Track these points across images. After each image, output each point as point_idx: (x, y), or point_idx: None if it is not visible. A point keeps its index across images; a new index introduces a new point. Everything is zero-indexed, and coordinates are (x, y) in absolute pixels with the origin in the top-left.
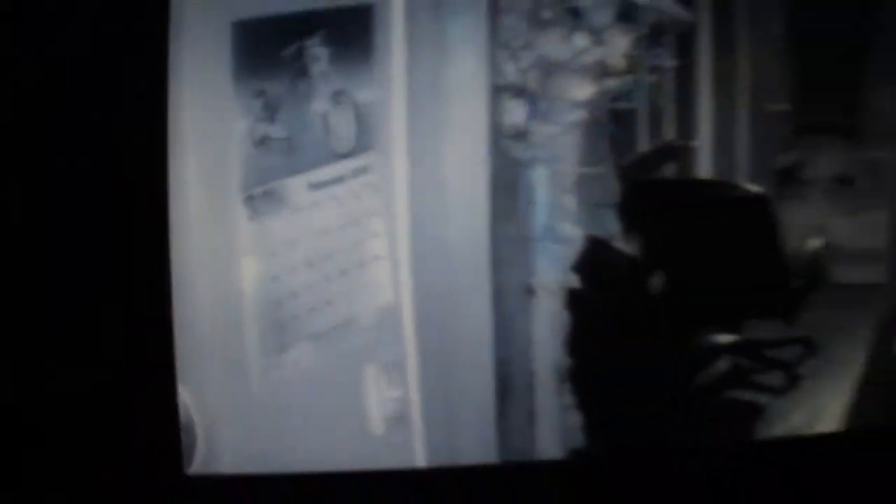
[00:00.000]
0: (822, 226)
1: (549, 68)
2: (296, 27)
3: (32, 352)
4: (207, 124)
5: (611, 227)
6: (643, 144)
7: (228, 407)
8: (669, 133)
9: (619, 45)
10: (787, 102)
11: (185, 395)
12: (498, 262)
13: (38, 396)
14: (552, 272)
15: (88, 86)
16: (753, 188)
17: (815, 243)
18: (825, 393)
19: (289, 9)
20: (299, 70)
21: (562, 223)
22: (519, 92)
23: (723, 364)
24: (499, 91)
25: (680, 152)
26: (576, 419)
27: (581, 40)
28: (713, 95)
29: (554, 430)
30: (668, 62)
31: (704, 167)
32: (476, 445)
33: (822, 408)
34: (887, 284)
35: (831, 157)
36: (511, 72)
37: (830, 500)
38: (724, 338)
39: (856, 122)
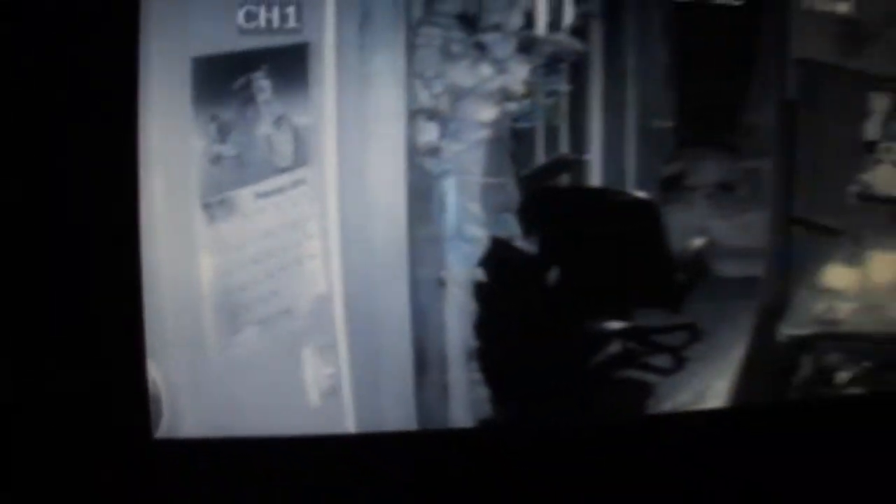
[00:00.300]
0: (704, 226)
1: (458, 94)
2: (244, 63)
3: (23, 335)
4: (171, 144)
5: (512, 230)
6: (540, 158)
7: (189, 381)
8: (564, 148)
9: (519, 73)
10: (671, 120)
11: (154, 371)
12: (415, 259)
13: (26, 371)
14: (461, 267)
15: (73, 113)
16: (640, 195)
17: (697, 242)
18: (710, 374)
19: (238, 47)
20: (247, 99)
21: (469, 226)
22: (432, 115)
23: (615, 347)
24: (414, 114)
25: (573, 164)
26: (483, 393)
27: (486, 70)
28: (603, 115)
29: (464, 402)
30: (563, 87)
31: (595, 177)
32: (398, 415)
33: (708, 387)
34: (765, 278)
35: (712, 167)
36: (425, 98)
37: (715, 470)
38: (616, 324)
39: (734, 137)
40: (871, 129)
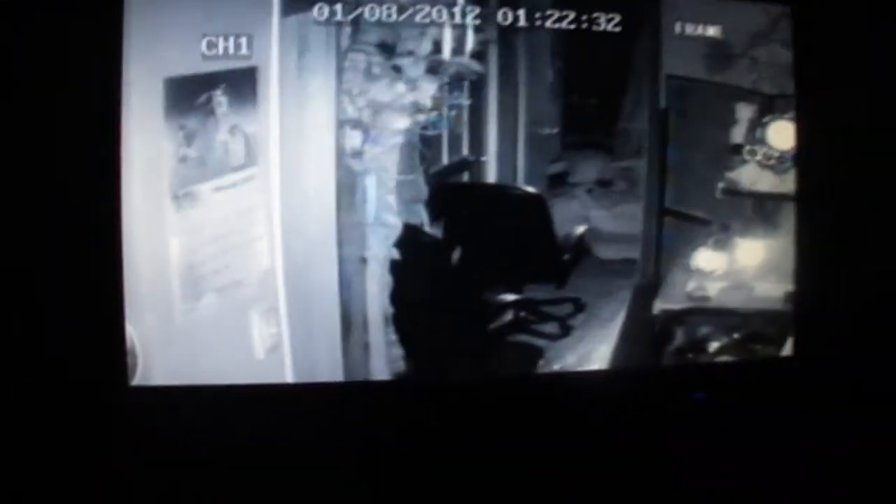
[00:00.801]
0: (586, 216)
1: (378, 107)
2: (206, 82)
3: (25, 301)
4: (147, 147)
5: (422, 217)
6: (445, 159)
7: (159, 338)
8: (465, 151)
9: (428, 90)
10: (556, 127)
11: (130, 329)
12: (342, 240)
13: (25, 330)
14: (380, 248)
15: (68, 121)
16: (530, 189)
17: (579, 229)
18: (593, 341)
19: (201, 70)
20: (208, 111)
21: (386, 214)
22: (356, 124)
23: (509, 316)
24: (342, 124)
25: (473, 165)
26: (398, 352)
27: (401, 87)
28: (498, 124)
29: (382, 359)
30: (465, 101)
31: (492, 175)
32: (328, 368)
33: (591, 352)
34: (641, 260)
35: (592, 166)
36: (351, 110)
37: (597, 423)
38: (510, 296)
39: (611, 141)
40: (738, 134)
